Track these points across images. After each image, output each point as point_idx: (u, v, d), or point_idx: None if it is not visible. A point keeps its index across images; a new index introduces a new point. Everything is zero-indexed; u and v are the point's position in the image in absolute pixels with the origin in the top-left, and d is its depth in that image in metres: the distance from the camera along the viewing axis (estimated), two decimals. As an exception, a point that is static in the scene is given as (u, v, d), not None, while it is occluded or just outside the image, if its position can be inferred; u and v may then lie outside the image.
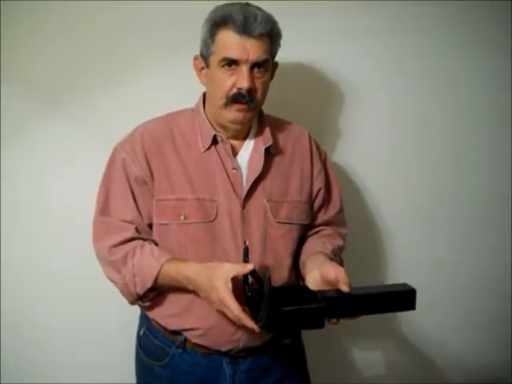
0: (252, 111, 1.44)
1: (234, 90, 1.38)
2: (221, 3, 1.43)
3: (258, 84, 1.40)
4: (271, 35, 1.40)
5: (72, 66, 1.80)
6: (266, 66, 1.40)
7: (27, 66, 1.79)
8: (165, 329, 1.51)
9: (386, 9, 1.94)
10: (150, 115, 1.56)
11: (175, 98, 1.63)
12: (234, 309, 1.25)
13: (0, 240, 1.87)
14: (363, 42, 1.96)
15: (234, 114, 1.42)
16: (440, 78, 2.05)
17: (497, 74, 2.09)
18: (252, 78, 1.38)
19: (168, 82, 1.83)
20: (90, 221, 1.51)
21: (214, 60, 1.39)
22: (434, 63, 2.03)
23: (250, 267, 1.27)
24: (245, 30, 1.33)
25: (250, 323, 1.25)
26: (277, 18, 1.42)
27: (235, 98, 1.39)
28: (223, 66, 1.37)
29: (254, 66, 1.37)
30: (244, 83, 1.36)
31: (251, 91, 1.39)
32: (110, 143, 1.54)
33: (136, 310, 1.64)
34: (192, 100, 1.57)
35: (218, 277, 1.28)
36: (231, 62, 1.36)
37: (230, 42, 1.35)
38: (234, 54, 1.35)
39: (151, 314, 1.53)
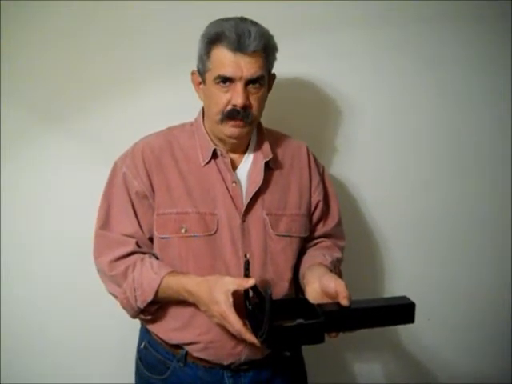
0: (248, 126, 1.45)
1: (229, 107, 1.39)
2: (217, 17, 1.42)
3: (253, 100, 1.41)
4: (266, 50, 1.39)
5: (72, 78, 1.82)
6: (261, 81, 1.40)
7: (27, 77, 1.81)
8: (166, 342, 1.51)
9: (385, 21, 1.96)
10: (149, 129, 1.56)
11: (175, 112, 1.63)
12: (235, 323, 1.26)
13: (1, 253, 1.89)
14: (362, 54, 1.97)
15: (229, 129, 1.43)
16: (440, 90, 2.05)
17: (502, 89, 2.09)
18: (247, 94, 1.38)
19: (168, 96, 1.84)
20: (90, 234, 1.52)
21: (210, 77, 1.40)
22: (433, 74, 2.03)
23: (251, 282, 1.27)
24: (238, 47, 1.33)
25: (250, 337, 1.25)
26: (274, 31, 1.41)
27: (230, 115, 1.40)
28: (218, 83, 1.38)
29: (249, 82, 1.38)
30: (238, 100, 1.37)
31: (246, 107, 1.39)
32: (110, 157, 1.55)
33: (136, 324, 1.64)
34: (191, 113, 1.58)
35: (219, 290, 1.29)
36: (226, 80, 1.37)
37: (224, 60, 1.35)
38: (227, 72, 1.35)
39: (152, 328, 1.54)
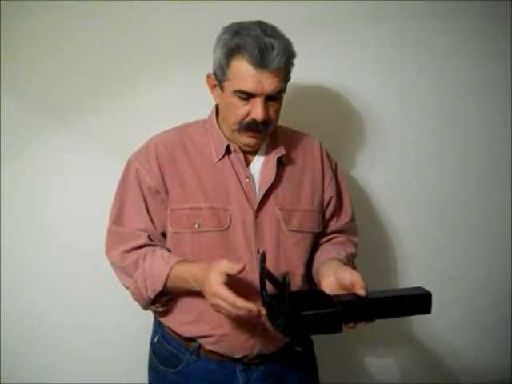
0: (265, 136, 1.48)
1: (249, 119, 1.40)
2: (219, 17, 1.43)
3: (272, 111, 1.42)
4: (287, 64, 1.39)
5: (72, 77, 1.82)
6: (280, 94, 1.42)
7: (27, 77, 1.81)
8: (179, 336, 1.52)
9: (388, 19, 2.00)
10: (150, 128, 1.57)
11: (187, 109, 1.63)
12: (227, 296, 1.24)
13: (1, 254, 1.87)
14: (365, 52, 2.00)
15: (247, 140, 1.44)
16: (449, 89, 2.09)
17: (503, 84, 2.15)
18: (267, 108, 1.39)
19: (180, 93, 1.85)
20: (90, 234, 1.56)
21: (229, 87, 1.39)
22: (441, 73, 2.08)
23: (239, 267, 1.25)
24: (261, 63, 1.32)
25: (246, 305, 1.23)
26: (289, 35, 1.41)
27: (249, 126, 1.41)
28: (237, 95, 1.38)
29: (269, 96, 1.38)
30: (258, 115, 1.37)
31: (266, 121, 1.40)
32: (110, 156, 1.59)
33: (136, 325, 1.65)
34: (204, 111, 1.58)
35: (213, 272, 1.28)
36: (246, 94, 1.37)
37: (245, 74, 1.34)
38: (248, 88, 1.35)
39: (165, 321, 1.54)
